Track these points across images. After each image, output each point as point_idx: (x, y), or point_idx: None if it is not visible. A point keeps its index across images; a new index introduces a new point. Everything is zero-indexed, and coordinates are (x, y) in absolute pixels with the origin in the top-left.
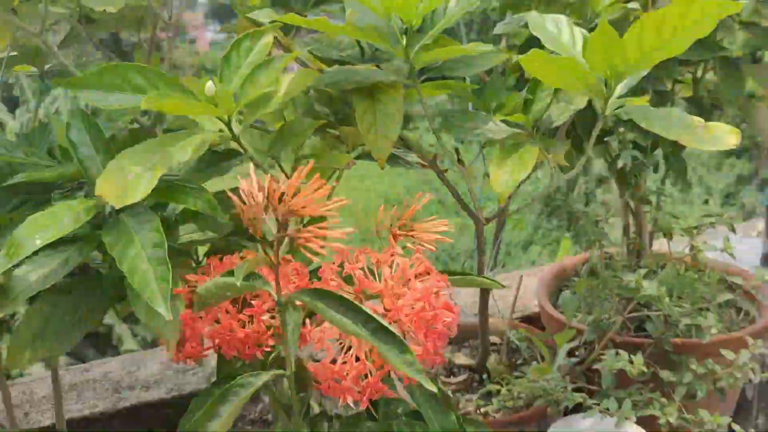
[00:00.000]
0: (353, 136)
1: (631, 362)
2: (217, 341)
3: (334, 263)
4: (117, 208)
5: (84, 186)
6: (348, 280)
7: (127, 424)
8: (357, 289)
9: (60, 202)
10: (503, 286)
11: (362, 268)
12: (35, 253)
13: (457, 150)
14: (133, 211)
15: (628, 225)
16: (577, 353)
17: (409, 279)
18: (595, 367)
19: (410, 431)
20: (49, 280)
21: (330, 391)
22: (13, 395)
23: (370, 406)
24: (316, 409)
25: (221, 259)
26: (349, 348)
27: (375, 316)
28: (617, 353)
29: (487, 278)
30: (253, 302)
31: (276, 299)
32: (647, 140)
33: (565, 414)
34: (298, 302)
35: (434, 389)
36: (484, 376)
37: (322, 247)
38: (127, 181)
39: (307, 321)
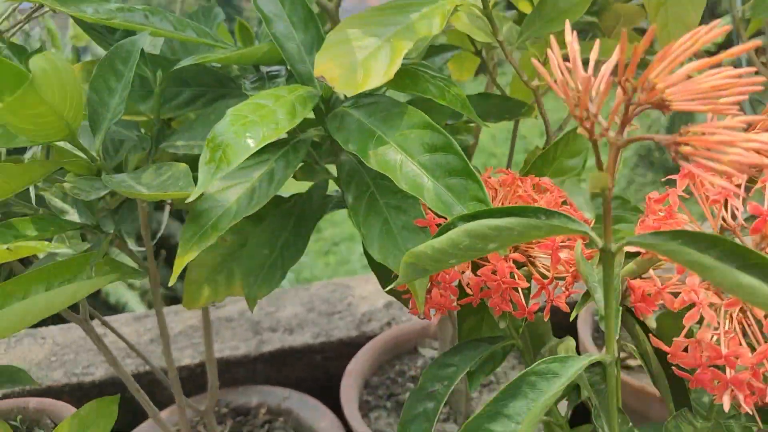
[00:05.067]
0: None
1: None
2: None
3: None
4: (348, 95)
5: (277, 75)
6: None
7: (272, 370)
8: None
9: (263, 91)
10: None
11: None
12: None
13: None
14: (365, 99)
15: None
16: None
17: None
18: None
19: None
20: (253, 204)
21: (703, 382)
22: (143, 330)
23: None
24: None
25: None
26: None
27: None
28: None
29: None
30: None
31: (601, 245)
32: None
33: None
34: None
35: None
36: None
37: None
38: (356, 58)
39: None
